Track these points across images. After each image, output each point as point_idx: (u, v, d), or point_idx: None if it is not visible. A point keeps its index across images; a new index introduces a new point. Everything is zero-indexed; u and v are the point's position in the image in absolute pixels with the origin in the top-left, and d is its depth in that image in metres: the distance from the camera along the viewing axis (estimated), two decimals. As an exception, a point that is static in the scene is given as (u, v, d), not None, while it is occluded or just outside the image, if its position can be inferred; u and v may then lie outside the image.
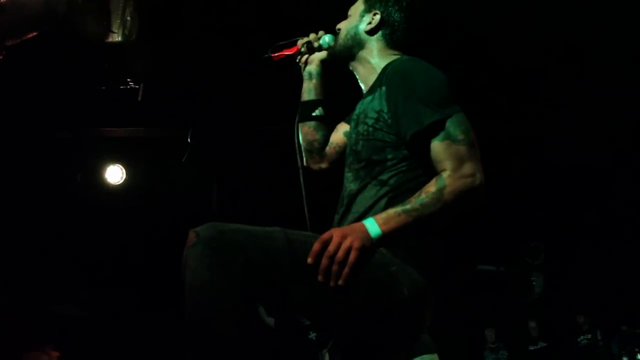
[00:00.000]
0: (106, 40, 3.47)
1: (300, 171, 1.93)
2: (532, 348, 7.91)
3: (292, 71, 2.08)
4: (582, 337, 7.72)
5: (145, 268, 6.98)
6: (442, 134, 1.50)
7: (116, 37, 3.47)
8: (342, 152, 1.92)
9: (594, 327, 7.68)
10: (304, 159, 2.03)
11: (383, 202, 1.59)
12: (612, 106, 5.32)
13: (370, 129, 1.67)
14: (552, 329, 8.04)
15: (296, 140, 2.01)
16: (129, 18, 3.47)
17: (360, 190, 1.66)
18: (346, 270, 1.32)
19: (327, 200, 1.89)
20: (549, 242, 8.19)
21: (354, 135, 1.76)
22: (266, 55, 2.04)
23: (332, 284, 1.32)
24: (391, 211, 1.42)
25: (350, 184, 1.72)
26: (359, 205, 1.64)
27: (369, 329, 1.52)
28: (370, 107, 1.70)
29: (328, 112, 2.03)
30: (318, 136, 2.00)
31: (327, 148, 2.01)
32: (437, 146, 1.50)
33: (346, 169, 1.78)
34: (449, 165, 1.46)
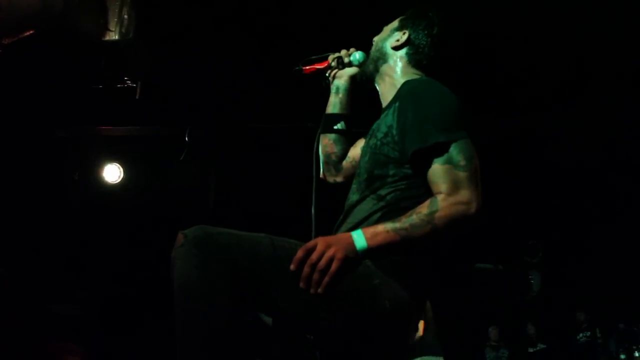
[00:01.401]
0: (103, 39, 3.47)
1: (314, 181, 1.94)
2: (531, 350, 7.92)
3: (322, 84, 2.12)
4: (581, 334, 7.74)
5: (143, 266, 6.97)
6: (444, 157, 1.49)
7: (113, 36, 3.46)
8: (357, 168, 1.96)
9: (592, 324, 7.69)
10: (321, 170, 2.06)
11: (376, 216, 1.59)
12: (610, 104, 5.32)
13: (378, 142, 1.69)
14: (550, 327, 8.05)
15: (315, 151, 2.02)
16: (126, 16, 3.47)
17: (359, 202, 1.68)
18: (327, 279, 1.31)
19: (334, 208, 1.89)
20: (547, 240, 8.20)
21: (366, 148, 1.80)
22: (297, 68, 2.07)
23: (312, 291, 1.32)
24: (380, 227, 1.42)
25: (352, 195, 1.75)
26: (353, 217, 1.66)
27: (350, 340, 1.52)
28: (384, 122, 1.72)
29: (350, 128, 2.06)
30: (337, 149, 2.04)
31: (344, 162, 2.04)
32: (437, 168, 1.49)
33: (354, 180, 1.81)
34: (445, 189, 1.45)
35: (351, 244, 1.37)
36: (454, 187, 1.45)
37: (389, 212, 1.55)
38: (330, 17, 4.00)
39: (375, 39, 1.96)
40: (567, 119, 5.58)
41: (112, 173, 6.35)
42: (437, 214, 1.41)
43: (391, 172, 1.63)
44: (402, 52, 1.85)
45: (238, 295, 1.38)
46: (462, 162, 1.48)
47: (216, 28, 4.49)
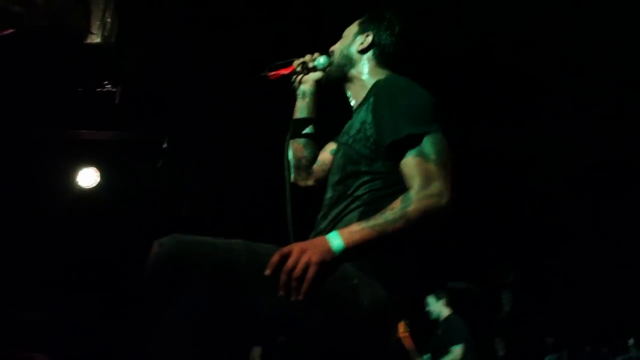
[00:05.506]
0: (85, 42, 3.46)
1: (287, 187, 1.95)
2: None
3: (287, 90, 2.14)
4: (548, 357, 7.79)
5: (118, 273, 6.88)
6: (416, 150, 1.51)
7: (95, 39, 3.45)
8: (329, 170, 1.96)
9: (559, 347, 7.76)
10: (292, 175, 2.07)
11: (353, 216, 1.61)
12: (579, 127, 5.41)
13: (350, 139, 1.73)
14: (519, 348, 8.10)
15: (285, 157, 2.05)
16: (108, 20, 3.46)
17: (335, 201, 1.70)
18: (305, 286, 1.30)
19: (310, 214, 1.91)
20: (520, 260, 8.29)
21: (339, 146, 1.83)
22: (263, 74, 2.08)
23: (292, 299, 1.31)
24: (355, 226, 1.42)
25: (327, 193, 1.78)
26: (331, 218, 1.68)
27: (331, 343, 1.52)
28: (357, 119, 1.76)
29: (318, 131, 2.09)
30: (306, 153, 2.05)
31: (315, 166, 2.05)
32: (409, 161, 1.51)
33: (328, 178, 1.83)
34: (417, 183, 1.46)
35: (327, 246, 1.36)
36: (425, 180, 1.46)
37: (366, 212, 1.55)
38: (321, 22, 4.01)
39: (336, 47, 2.00)
40: (542, 139, 5.66)
41: (88, 177, 6.26)
42: (410, 208, 1.41)
43: (363, 169, 1.65)
44: (369, 54, 1.91)
45: (215, 304, 1.36)
46: (433, 156, 1.50)
47: (199, 34, 4.49)
